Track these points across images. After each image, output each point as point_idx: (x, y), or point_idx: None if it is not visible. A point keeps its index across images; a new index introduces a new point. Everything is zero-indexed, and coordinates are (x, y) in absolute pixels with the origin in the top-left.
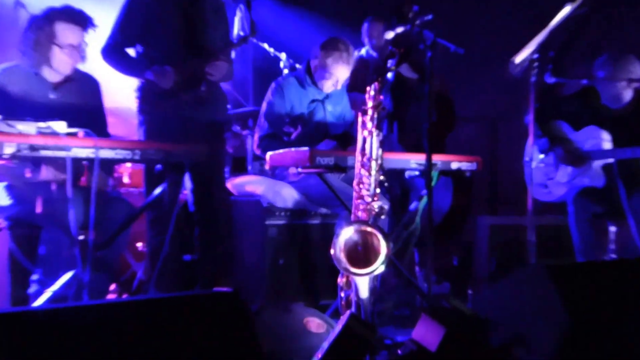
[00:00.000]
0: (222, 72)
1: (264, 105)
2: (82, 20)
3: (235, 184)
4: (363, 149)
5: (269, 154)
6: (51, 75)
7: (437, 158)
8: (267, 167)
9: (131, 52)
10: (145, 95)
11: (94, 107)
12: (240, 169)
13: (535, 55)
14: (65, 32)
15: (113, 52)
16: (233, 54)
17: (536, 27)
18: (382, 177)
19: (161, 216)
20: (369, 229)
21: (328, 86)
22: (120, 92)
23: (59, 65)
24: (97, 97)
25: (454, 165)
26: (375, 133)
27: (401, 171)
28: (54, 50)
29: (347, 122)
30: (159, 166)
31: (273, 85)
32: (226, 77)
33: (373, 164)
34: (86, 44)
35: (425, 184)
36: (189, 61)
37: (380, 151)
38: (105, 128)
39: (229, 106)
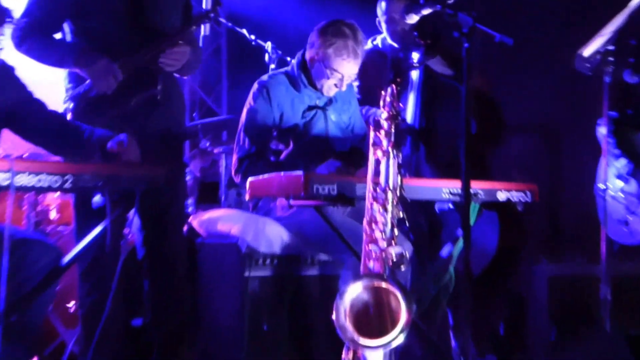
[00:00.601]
0: (182, 59)
1: (244, 114)
2: None
3: (203, 220)
4: (376, 175)
5: (249, 179)
6: None
7: (479, 185)
8: (247, 197)
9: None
10: (81, 106)
11: (14, 100)
12: (210, 199)
13: (611, 47)
14: None
15: (31, 35)
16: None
17: (611, 9)
18: (401, 214)
19: (100, 266)
20: (384, 284)
21: (330, 87)
22: (46, 101)
23: None
24: (14, 86)
25: (502, 195)
26: (392, 153)
27: (430, 203)
28: None
29: (357, 136)
30: (98, 197)
31: (256, 86)
32: (191, 67)
33: (389, 195)
34: (2, 34)
35: (461, 220)
36: (139, 50)
37: (399, 178)
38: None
39: (195, 114)
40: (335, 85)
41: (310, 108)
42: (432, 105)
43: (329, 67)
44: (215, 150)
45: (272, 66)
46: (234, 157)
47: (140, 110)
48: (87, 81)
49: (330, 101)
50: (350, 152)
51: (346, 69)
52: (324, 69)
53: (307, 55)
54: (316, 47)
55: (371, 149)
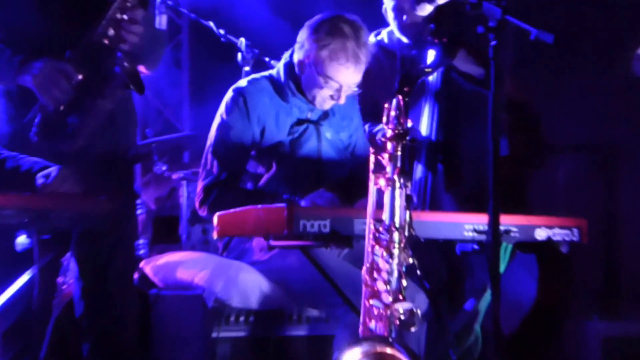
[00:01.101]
0: (135, 35)
1: (213, 130)
2: None
3: (159, 266)
4: (378, 209)
5: (218, 213)
6: None
7: (512, 220)
8: (214, 235)
9: None
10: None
11: None
12: (168, 238)
13: None
14: None
15: None
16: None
17: None
18: (411, 259)
19: (26, 327)
20: (389, 350)
21: (324, 99)
22: None
23: None
24: None
25: (541, 234)
26: (398, 182)
27: (449, 244)
28: None
29: (358, 160)
30: (23, 237)
31: (230, 94)
32: (156, 51)
33: (395, 235)
34: None
35: (489, 266)
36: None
37: (407, 213)
38: None
39: (148, 131)
40: (332, 97)
41: (299, 122)
42: (453, 118)
43: (322, 75)
44: (175, 176)
45: (247, 69)
46: (199, 185)
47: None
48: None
49: (325, 114)
50: (349, 180)
51: (345, 78)
52: (317, 76)
53: (296, 58)
54: (307, 48)
55: (372, 177)
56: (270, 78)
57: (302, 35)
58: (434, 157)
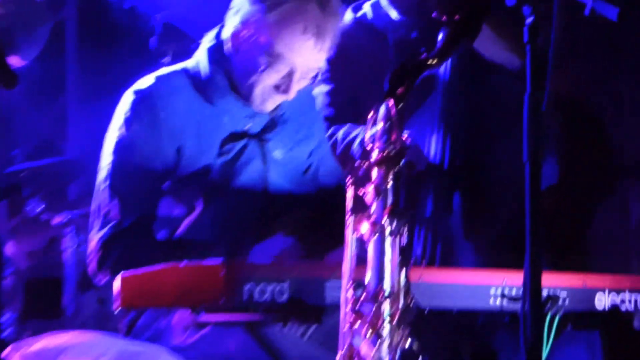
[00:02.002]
0: None
1: (107, 155)
2: None
3: (33, 354)
4: (359, 266)
5: (122, 275)
6: None
7: (560, 280)
8: (115, 308)
9: None
10: None
11: None
12: (46, 311)
13: None
14: None
15: None
16: None
17: None
18: (411, 342)
19: None
20: None
21: (268, 93)
22: None
23: None
24: None
25: (604, 300)
26: (389, 227)
27: (470, 316)
28: None
29: (325, 188)
30: None
31: (129, 98)
32: (24, 33)
33: (385, 305)
34: None
35: (525, 348)
36: None
37: (403, 273)
38: None
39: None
40: (277, 88)
41: (234, 136)
42: (475, 130)
43: (267, 51)
44: (56, 220)
45: (166, 60)
46: (93, 238)
47: None
48: None
49: (272, 123)
50: (312, 222)
51: (301, 55)
52: (259, 54)
53: (228, 31)
54: (246, 11)
55: (349, 220)
56: (186, 72)
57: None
58: (446, 188)
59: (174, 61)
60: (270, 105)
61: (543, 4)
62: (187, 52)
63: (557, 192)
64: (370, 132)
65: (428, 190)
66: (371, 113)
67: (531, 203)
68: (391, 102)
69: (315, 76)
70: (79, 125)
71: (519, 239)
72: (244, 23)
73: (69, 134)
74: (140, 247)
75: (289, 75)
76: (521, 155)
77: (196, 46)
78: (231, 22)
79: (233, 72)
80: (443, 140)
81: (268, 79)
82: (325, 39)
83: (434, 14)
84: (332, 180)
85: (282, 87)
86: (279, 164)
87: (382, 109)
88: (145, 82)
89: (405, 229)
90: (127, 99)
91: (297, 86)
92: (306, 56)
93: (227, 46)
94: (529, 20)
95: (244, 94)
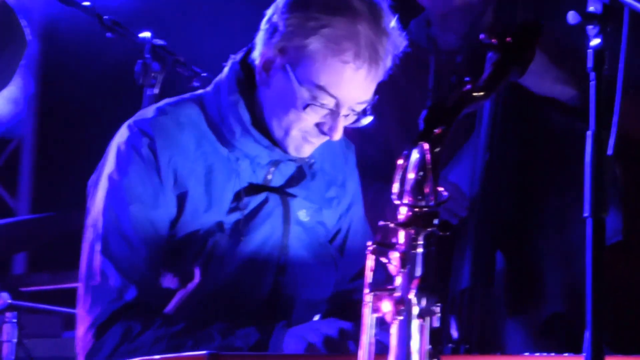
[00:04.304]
0: None
1: (97, 207)
2: None
3: None
4: (379, 355)
5: None
6: None
7: None
8: None
9: None
10: None
11: None
12: None
13: None
14: None
15: None
16: None
17: None
18: None
19: None
20: None
21: (307, 133)
22: None
23: None
24: None
25: None
26: (416, 307)
27: None
28: None
29: (353, 262)
30: None
31: (125, 134)
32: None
33: None
34: None
35: None
36: None
37: None
38: None
39: None
40: (321, 128)
41: (252, 188)
42: (526, 180)
43: (309, 82)
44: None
45: (155, 91)
46: (83, 320)
47: None
48: None
49: (300, 173)
50: (333, 304)
51: (350, 89)
52: (298, 85)
53: (258, 54)
54: (282, 33)
55: (367, 296)
56: (198, 102)
57: (274, 12)
58: (487, 251)
59: (165, 96)
60: (307, 150)
61: (612, 21)
62: (183, 83)
63: (623, 252)
64: (397, 185)
65: (464, 254)
66: (400, 160)
67: (593, 270)
68: (426, 146)
69: (364, 111)
70: (36, 175)
71: (576, 317)
72: (279, 48)
73: (20, 190)
74: (145, 328)
75: (334, 112)
76: (580, 208)
77: (189, 74)
78: (262, 46)
79: (261, 107)
80: (485, 189)
81: (308, 118)
82: (379, 65)
83: (481, 36)
84: (360, 260)
85: (325, 126)
86: (303, 227)
87: (415, 155)
88: (146, 113)
89: (438, 308)
90: (122, 135)
91: (343, 124)
92: (356, 88)
93: (257, 72)
94: (595, 42)
95: (275, 136)
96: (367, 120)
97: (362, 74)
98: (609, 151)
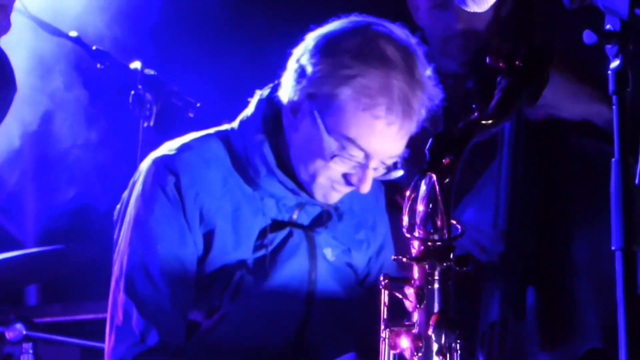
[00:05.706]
0: None
1: (123, 249)
2: None
3: None
4: None
5: None
6: None
7: None
8: None
9: None
10: None
11: None
12: None
13: None
14: None
15: None
16: None
17: None
18: None
19: None
20: None
21: (333, 183)
22: None
23: None
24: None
25: None
26: (436, 344)
27: None
28: None
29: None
30: None
31: (151, 169)
32: None
33: None
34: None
35: None
36: None
37: None
38: None
39: None
40: (348, 179)
41: (277, 225)
42: (548, 207)
43: (339, 134)
44: (10, 335)
45: (146, 124)
46: (108, 354)
47: None
48: None
49: (326, 215)
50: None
51: (382, 143)
52: (327, 136)
53: (286, 96)
54: (312, 79)
55: (384, 332)
56: (226, 137)
57: (303, 53)
58: (517, 284)
59: (159, 127)
60: (335, 197)
61: (631, 40)
62: (180, 116)
63: None
64: (406, 217)
65: (493, 287)
66: (407, 192)
67: (626, 304)
68: (434, 177)
69: (395, 164)
70: (39, 212)
71: (615, 352)
72: (309, 94)
73: (24, 222)
74: None
75: (363, 167)
76: (610, 241)
77: (183, 103)
78: (289, 88)
79: (287, 148)
80: (510, 220)
81: (336, 167)
82: (413, 119)
83: (488, 59)
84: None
85: (353, 177)
86: (331, 266)
87: (423, 187)
88: (168, 148)
89: (459, 345)
90: (149, 170)
91: (372, 176)
92: (387, 142)
93: (285, 114)
94: (615, 63)
95: (301, 179)
96: (398, 174)
97: (394, 129)
98: (637, 180)
